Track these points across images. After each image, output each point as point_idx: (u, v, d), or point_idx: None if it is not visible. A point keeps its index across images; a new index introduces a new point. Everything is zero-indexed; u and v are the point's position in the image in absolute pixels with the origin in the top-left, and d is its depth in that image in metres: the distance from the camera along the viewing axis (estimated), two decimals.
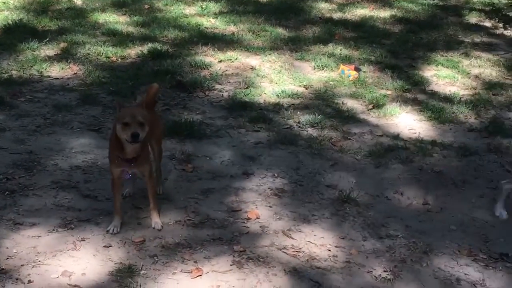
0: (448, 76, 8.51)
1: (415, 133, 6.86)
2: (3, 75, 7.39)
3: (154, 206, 4.85)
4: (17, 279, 4.17)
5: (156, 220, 4.83)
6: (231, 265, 4.51)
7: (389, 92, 7.84)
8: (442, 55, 9.29)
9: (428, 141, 6.65)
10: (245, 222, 5.05)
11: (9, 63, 7.75)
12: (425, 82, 8.28)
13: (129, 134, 4.40)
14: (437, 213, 5.45)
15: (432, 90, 8.07)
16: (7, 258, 4.34)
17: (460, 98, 7.81)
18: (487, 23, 11.13)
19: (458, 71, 8.71)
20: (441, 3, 12.06)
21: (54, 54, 8.14)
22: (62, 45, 8.43)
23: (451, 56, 9.27)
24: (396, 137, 6.71)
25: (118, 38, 8.83)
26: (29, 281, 4.16)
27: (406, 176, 5.96)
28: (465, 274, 4.67)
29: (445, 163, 6.26)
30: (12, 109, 6.61)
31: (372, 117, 7.16)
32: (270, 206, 5.30)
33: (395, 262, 4.71)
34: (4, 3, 9.96)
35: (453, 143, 6.67)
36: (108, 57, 8.19)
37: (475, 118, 7.32)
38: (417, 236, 5.04)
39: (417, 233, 5.09)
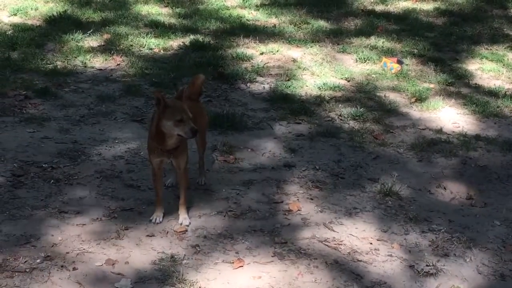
0: (492, 70, 8.39)
1: (459, 127, 6.77)
2: (48, 65, 7.50)
3: (184, 201, 4.83)
4: (62, 266, 4.23)
5: (184, 216, 4.81)
6: (272, 256, 4.52)
7: (432, 86, 7.76)
8: (487, 49, 9.16)
9: (472, 135, 6.57)
10: (287, 214, 5.05)
11: (54, 54, 7.86)
12: (469, 76, 8.17)
13: (188, 130, 4.43)
14: (481, 208, 5.38)
15: (476, 84, 7.96)
16: (53, 246, 4.42)
17: (505, 92, 7.69)
18: None
19: (503, 65, 8.58)
20: None
21: (98, 45, 8.23)
22: (105, 36, 8.52)
23: (496, 50, 9.14)
24: (439, 130, 6.63)
25: (160, 29, 8.88)
26: (74, 269, 4.22)
27: (449, 170, 5.90)
28: (510, 270, 4.60)
29: (489, 157, 6.18)
30: (57, 99, 6.71)
31: (415, 111, 7.10)
32: (312, 199, 5.29)
33: (438, 257, 4.67)
34: None
35: (498, 137, 6.57)
36: (151, 49, 8.26)
37: None
38: (460, 231, 4.99)
39: (460, 228, 5.03)
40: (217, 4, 10.34)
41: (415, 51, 8.82)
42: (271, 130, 6.39)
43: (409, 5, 11.04)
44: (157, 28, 8.95)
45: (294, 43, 8.79)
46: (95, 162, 5.56)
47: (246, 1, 10.51)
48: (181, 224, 4.77)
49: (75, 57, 7.77)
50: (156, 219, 4.78)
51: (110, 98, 6.80)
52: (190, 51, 8.26)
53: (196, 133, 4.51)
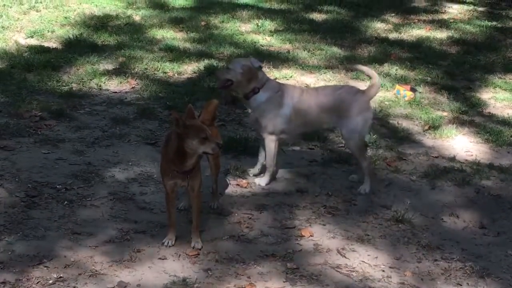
0: (506, 99, 8.39)
1: (472, 155, 6.77)
2: (64, 87, 7.57)
3: (197, 225, 4.82)
4: (74, 287, 4.24)
5: (197, 239, 4.80)
6: (284, 281, 4.51)
7: (445, 114, 7.76)
8: (500, 78, 9.16)
9: (485, 164, 6.55)
10: (299, 239, 5.04)
11: (69, 76, 7.94)
12: (482, 105, 8.18)
13: (214, 146, 4.50)
14: (494, 237, 5.35)
15: (489, 113, 7.97)
16: (65, 267, 4.42)
17: None
18: None
19: None
20: (499, 25, 11.91)
21: (113, 68, 8.30)
22: (120, 59, 8.60)
23: (510, 79, 9.14)
24: (452, 159, 6.63)
25: (175, 53, 8.96)
26: None
27: (462, 199, 5.89)
28: None
29: (503, 186, 6.16)
30: (72, 121, 6.76)
31: (428, 138, 7.10)
32: (324, 224, 5.28)
33: (450, 286, 4.64)
34: (66, 18, 10.21)
35: (511, 166, 6.55)
36: (165, 72, 8.33)
37: None
38: (473, 260, 4.96)
39: (473, 257, 5.01)
40: (231, 29, 10.42)
41: (428, 79, 8.85)
42: (284, 155, 6.40)
43: (422, 33, 11.08)
44: (172, 52, 9.03)
45: (307, 69, 8.84)
46: (109, 184, 5.59)
47: (260, 27, 10.60)
48: (193, 247, 4.76)
49: (90, 80, 7.84)
50: (168, 242, 4.78)
51: (124, 120, 6.84)
52: (204, 75, 8.31)
53: (221, 147, 4.60)
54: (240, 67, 5.69)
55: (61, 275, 4.33)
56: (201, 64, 8.61)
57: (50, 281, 4.27)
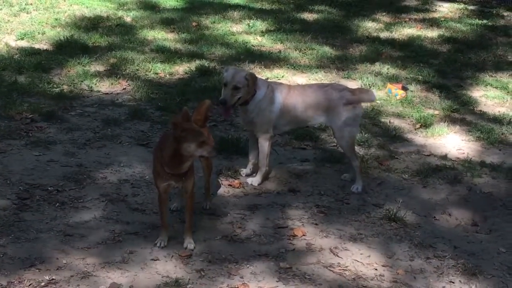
0: (497, 97, 8.41)
1: (463, 153, 6.78)
2: (55, 89, 7.55)
3: (190, 225, 4.83)
4: None
5: (189, 240, 4.80)
6: (277, 281, 4.51)
7: (436, 112, 7.78)
8: (491, 76, 9.18)
9: (476, 162, 6.57)
10: (291, 239, 5.05)
11: (61, 78, 7.91)
12: (473, 103, 8.19)
13: (211, 149, 4.52)
14: (486, 235, 5.37)
15: (480, 111, 7.98)
16: (57, 269, 4.42)
17: (510, 119, 7.70)
18: None
19: (507, 92, 8.60)
20: (490, 23, 11.94)
21: (104, 70, 8.28)
22: (111, 61, 8.58)
23: (500, 77, 9.17)
24: (444, 157, 6.64)
25: (166, 54, 8.94)
26: None
27: (454, 197, 5.90)
28: None
29: (494, 184, 6.17)
30: (63, 122, 6.74)
31: (420, 137, 7.11)
32: (316, 224, 5.28)
33: (443, 283, 4.66)
34: (56, 19, 10.18)
35: (503, 164, 6.57)
36: (157, 73, 8.31)
37: None
38: (465, 258, 4.97)
39: (465, 255, 5.02)
40: (222, 30, 10.41)
41: (420, 77, 8.86)
42: (276, 155, 6.40)
43: (413, 32, 11.10)
44: (163, 53, 9.01)
45: (299, 68, 8.84)
46: (101, 185, 5.58)
47: (252, 27, 10.59)
48: (186, 248, 4.76)
49: (82, 81, 7.82)
50: (160, 243, 4.78)
51: (116, 122, 6.83)
52: (195, 76, 8.31)
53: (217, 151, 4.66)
54: (244, 79, 5.57)
55: (53, 277, 4.32)
56: (193, 65, 8.60)
57: (42, 284, 4.26)
